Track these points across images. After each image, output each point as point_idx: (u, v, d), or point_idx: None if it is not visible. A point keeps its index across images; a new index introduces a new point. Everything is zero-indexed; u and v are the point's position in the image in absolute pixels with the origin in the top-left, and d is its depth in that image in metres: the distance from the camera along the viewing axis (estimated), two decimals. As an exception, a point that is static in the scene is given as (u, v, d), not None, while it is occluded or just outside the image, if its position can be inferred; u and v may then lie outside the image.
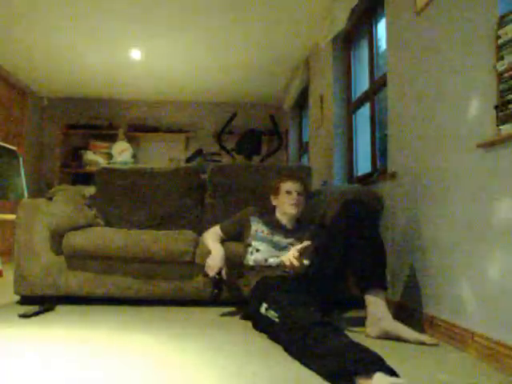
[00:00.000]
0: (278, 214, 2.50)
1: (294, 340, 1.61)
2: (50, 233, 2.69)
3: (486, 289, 1.70)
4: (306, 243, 2.09)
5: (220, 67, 5.41)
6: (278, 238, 2.41)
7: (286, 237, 2.42)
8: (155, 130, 6.63)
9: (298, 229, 2.46)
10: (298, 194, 2.44)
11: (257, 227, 2.47)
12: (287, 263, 2.08)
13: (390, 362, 1.32)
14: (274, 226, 2.47)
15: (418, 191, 2.28)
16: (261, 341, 1.90)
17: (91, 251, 2.65)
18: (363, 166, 3.75)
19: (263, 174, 3.12)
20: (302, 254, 2.07)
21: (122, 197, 3.15)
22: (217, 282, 2.37)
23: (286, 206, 2.43)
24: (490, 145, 1.67)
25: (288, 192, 2.43)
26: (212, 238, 2.59)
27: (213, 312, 2.52)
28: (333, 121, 4.04)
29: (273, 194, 2.52)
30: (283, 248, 2.36)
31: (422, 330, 2.05)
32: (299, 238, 2.36)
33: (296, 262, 2.04)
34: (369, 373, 1.27)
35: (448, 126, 2.00)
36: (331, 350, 1.42)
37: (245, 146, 5.06)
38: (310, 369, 1.48)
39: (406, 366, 1.51)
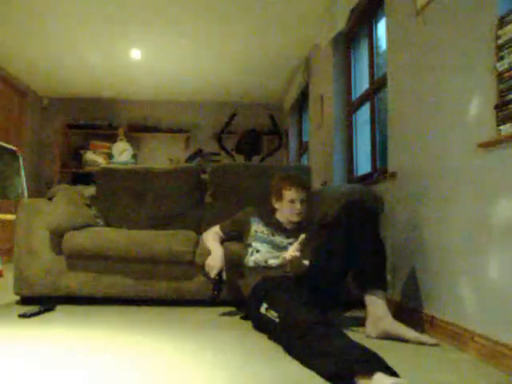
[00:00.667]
0: (279, 215, 2.50)
1: (294, 340, 1.61)
2: (50, 233, 2.69)
3: (485, 289, 1.70)
4: (302, 237, 2.07)
5: (220, 67, 5.41)
6: (278, 239, 2.41)
7: (286, 237, 2.41)
8: (155, 130, 6.63)
9: (298, 229, 2.45)
10: (302, 201, 2.43)
11: (257, 228, 2.47)
12: (288, 257, 2.07)
13: (390, 361, 1.32)
14: (274, 226, 2.46)
15: (418, 191, 2.28)
16: (261, 341, 1.90)
17: (91, 251, 2.65)
18: (363, 166, 3.75)
19: (263, 174, 3.12)
20: (303, 247, 2.06)
21: (122, 197, 3.15)
22: (217, 282, 2.38)
23: (289, 214, 2.43)
24: (490, 145, 1.67)
25: (292, 201, 2.41)
26: (212, 237, 2.60)
27: (213, 312, 2.52)
28: (333, 121, 4.04)
29: (274, 197, 2.50)
30: (283, 248, 2.36)
31: (422, 330, 2.05)
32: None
33: (297, 253, 2.02)
34: (369, 373, 1.27)
35: (448, 126, 2.00)
36: (331, 349, 1.42)
37: (245, 146, 5.06)
38: (310, 369, 1.47)
39: (405, 366, 1.51)
